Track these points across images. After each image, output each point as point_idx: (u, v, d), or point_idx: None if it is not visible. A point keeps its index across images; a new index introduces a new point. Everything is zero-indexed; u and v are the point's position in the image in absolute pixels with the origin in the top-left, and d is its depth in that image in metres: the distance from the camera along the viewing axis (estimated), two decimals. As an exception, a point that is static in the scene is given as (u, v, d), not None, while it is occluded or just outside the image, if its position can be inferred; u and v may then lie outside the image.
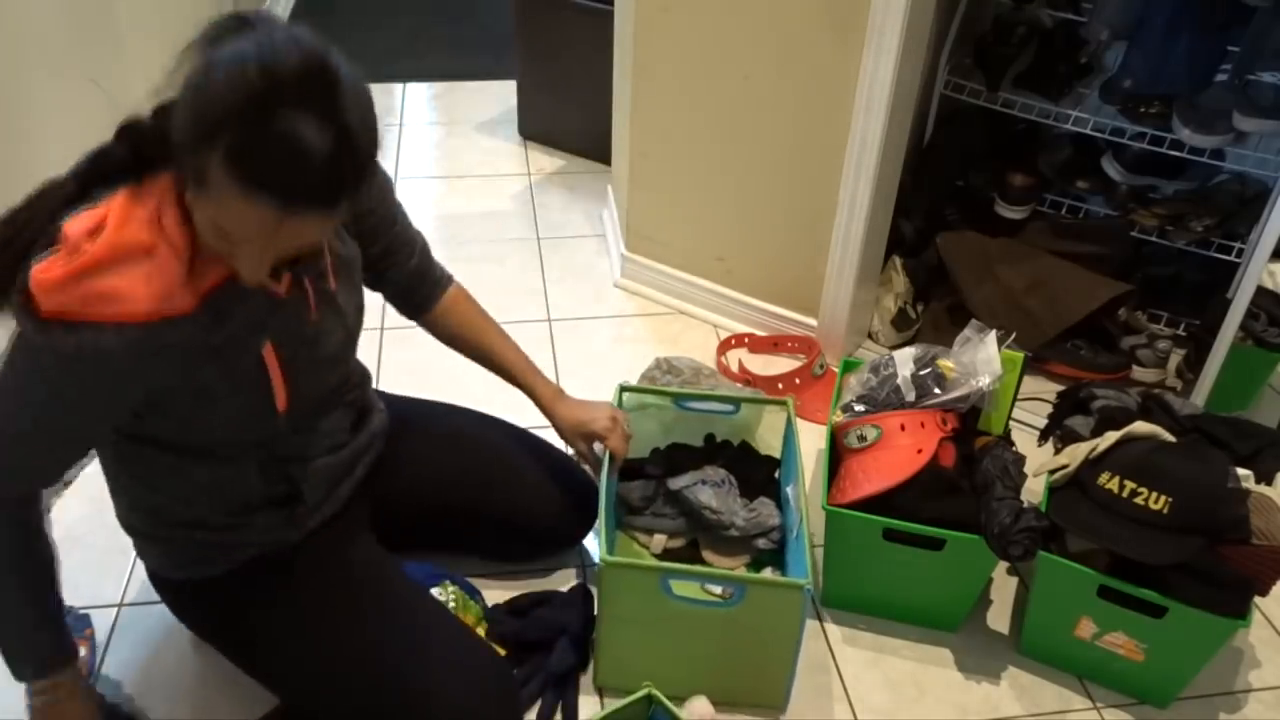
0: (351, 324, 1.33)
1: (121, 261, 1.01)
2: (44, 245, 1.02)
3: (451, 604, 1.49)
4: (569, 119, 2.97)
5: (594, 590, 1.57)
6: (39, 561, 1.21)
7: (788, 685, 1.51)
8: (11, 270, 1.02)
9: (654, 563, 1.39)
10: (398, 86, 3.35)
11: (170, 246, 1.04)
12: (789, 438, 1.71)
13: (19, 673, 1.23)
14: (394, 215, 1.43)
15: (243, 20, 0.99)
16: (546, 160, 3.00)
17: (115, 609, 1.62)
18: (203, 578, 1.33)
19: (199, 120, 0.95)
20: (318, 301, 1.23)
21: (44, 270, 1.00)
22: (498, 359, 1.55)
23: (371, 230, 1.38)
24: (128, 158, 1.06)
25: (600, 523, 1.49)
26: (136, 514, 1.33)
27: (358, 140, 0.98)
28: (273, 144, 0.94)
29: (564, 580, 1.69)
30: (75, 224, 1.02)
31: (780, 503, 1.74)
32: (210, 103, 0.94)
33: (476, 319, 1.57)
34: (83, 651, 1.50)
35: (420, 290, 1.52)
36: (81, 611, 1.57)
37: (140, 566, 1.67)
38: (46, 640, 1.24)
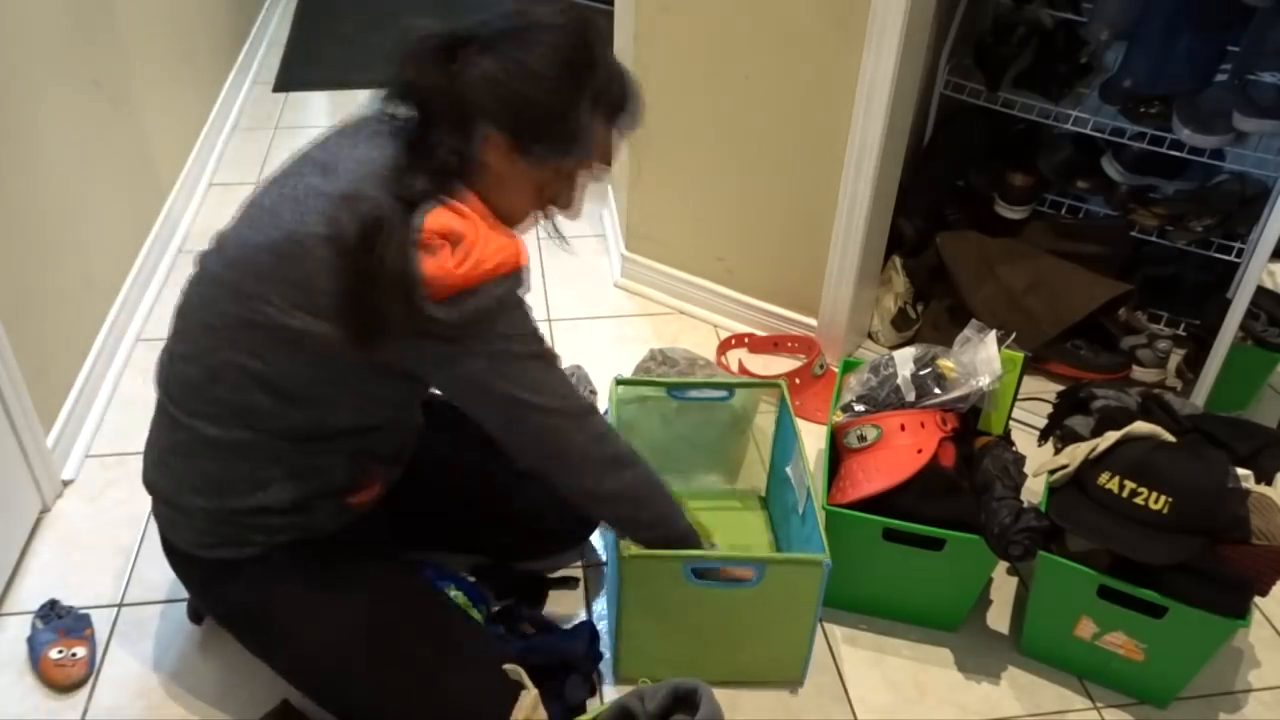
0: None
1: (485, 235, 1.15)
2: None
3: (453, 606, 1.49)
4: (569, 119, 2.96)
5: (599, 626, 1.58)
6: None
7: (805, 660, 1.53)
8: (411, 288, 1.11)
9: (675, 551, 1.40)
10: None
11: (499, 227, 1.19)
12: (784, 418, 1.72)
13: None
14: None
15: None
16: (546, 160, 2.99)
17: (115, 609, 1.62)
18: (225, 559, 1.33)
19: (562, 104, 1.14)
20: None
21: (447, 263, 1.11)
22: None
23: None
24: (437, 187, 1.15)
25: None
26: (193, 492, 1.30)
27: None
28: (618, 80, 1.19)
29: (565, 573, 1.70)
30: (440, 221, 1.12)
31: (768, 495, 1.75)
32: (562, 82, 1.14)
33: None
34: (82, 651, 1.51)
35: None
36: (81, 611, 1.57)
37: (140, 566, 1.67)
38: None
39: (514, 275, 1.18)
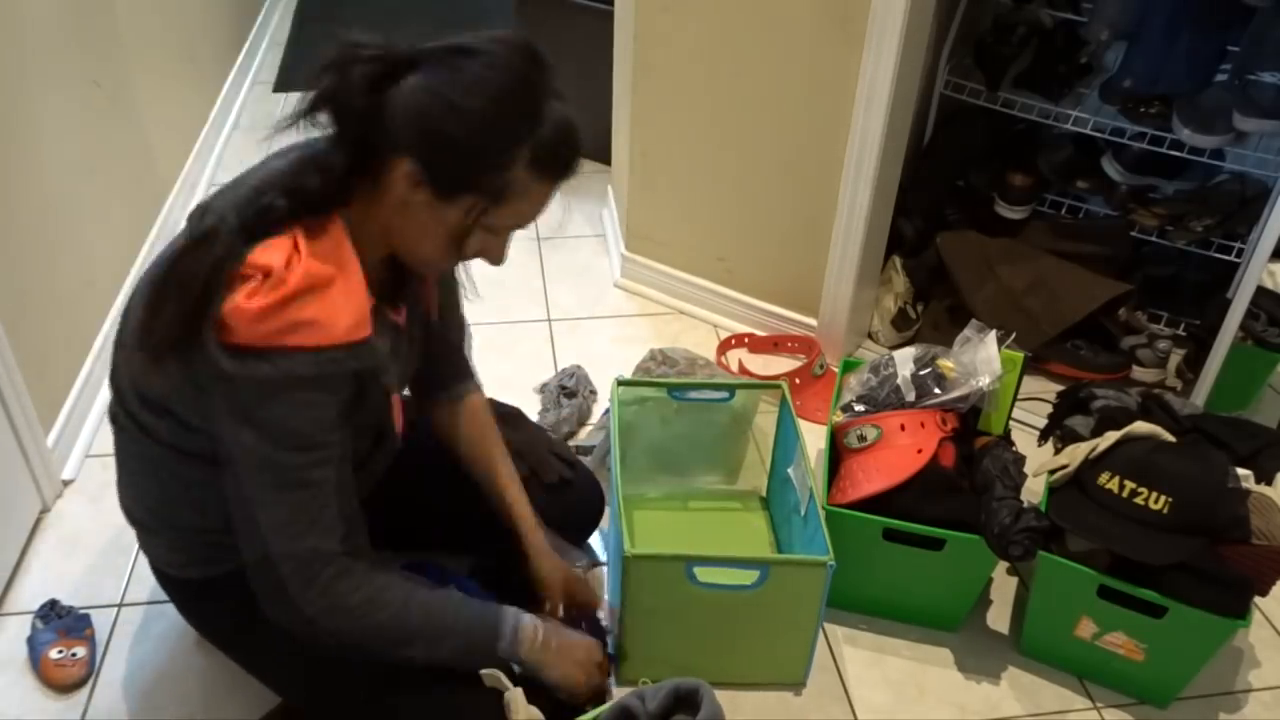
0: (417, 356, 1.37)
1: (318, 289, 1.04)
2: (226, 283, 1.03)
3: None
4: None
5: (604, 620, 1.58)
6: (419, 592, 1.21)
7: (808, 662, 1.53)
8: (203, 313, 1.03)
9: (678, 551, 1.40)
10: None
11: (353, 276, 1.08)
12: (784, 419, 1.72)
13: (497, 649, 1.25)
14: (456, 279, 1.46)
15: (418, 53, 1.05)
16: (546, 160, 2.99)
17: (115, 609, 1.62)
18: (206, 576, 1.32)
19: (486, 149, 1.05)
20: (411, 336, 1.30)
21: (248, 299, 1.01)
22: (496, 478, 1.49)
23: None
24: (294, 211, 1.07)
25: (617, 518, 1.49)
26: (147, 511, 1.31)
27: None
28: (560, 136, 1.08)
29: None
30: (266, 255, 1.03)
31: (769, 496, 1.75)
32: (491, 126, 1.04)
33: (489, 428, 1.51)
34: (82, 651, 1.51)
35: (447, 370, 1.50)
36: (81, 611, 1.57)
37: (140, 566, 1.67)
38: (481, 613, 1.26)
39: (326, 352, 1.05)
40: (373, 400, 1.19)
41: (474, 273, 1.40)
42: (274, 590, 1.13)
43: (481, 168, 1.06)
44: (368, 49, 1.05)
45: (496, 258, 1.18)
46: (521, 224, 1.14)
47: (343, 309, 1.06)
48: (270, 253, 1.03)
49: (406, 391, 1.45)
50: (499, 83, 1.04)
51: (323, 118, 1.07)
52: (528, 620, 1.27)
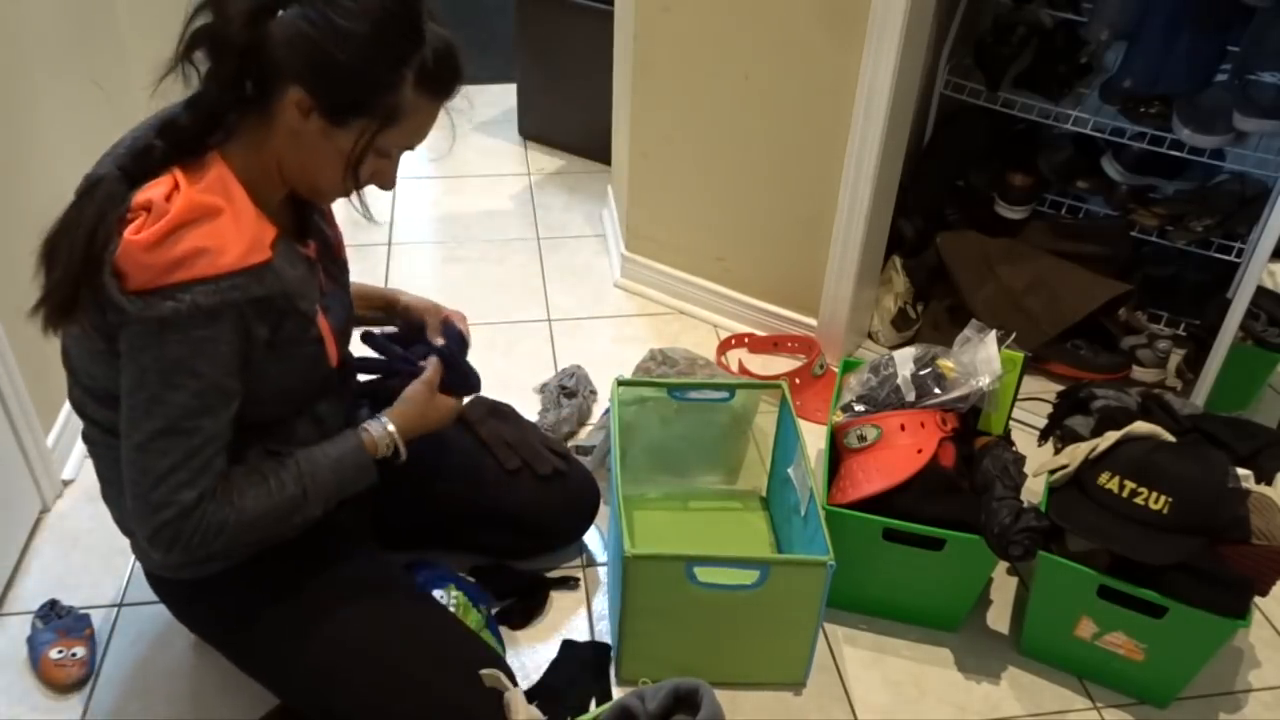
0: (349, 300, 1.37)
1: (203, 217, 1.06)
2: (118, 228, 1.05)
3: (453, 607, 1.49)
4: (569, 119, 2.97)
5: (599, 626, 1.57)
6: (269, 468, 1.20)
7: (808, 662, 1.53)
8: (97, 261, 1.04)
9: (678, 551, 1.40)
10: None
11: (243, 207, 1.10)
12: (784, 419, 1.72)
13: (369, 468, 1.28)
14: None
15: None
16: (546, 160, 3.00)
17: (115, 609, 1.62)
18: (200, 577, 1.32)
19: (376, 72, 1.06)
20: (327, 272, 1.29)
21: (135, 232, 1.03)
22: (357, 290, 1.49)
23: None
24: (169, 150, 1.09)
25: (617, 518, 1.49)
26: (126, 514, 1.31)
27: None
28: (441, 54, 1.10)
29: (565, 573, 1.70)
30: (148, 193, 1.05)
31: (769, 496, 1.75)
32: (378, 49, 1.05)
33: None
34: (82, 651, 1.51)
35: None
36: (81, 611, 1.57)
37: (140, 566, 1.67)
38: (339, 447, 1.26)
39: (224, 279, 1.06)
40: (295, 329, 1.18)
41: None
42: (165, 539, 1.13)
43: (372, 91, 1.08)
44: None
45: (387, 181, 1.19)
46: (411, 144, 1.16)
47: (233, 236, 1.07)
48: (150, 190, 1.05)
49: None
50: (379, 5, 1.05)
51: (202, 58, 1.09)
52: (373, 422, 1.30)
